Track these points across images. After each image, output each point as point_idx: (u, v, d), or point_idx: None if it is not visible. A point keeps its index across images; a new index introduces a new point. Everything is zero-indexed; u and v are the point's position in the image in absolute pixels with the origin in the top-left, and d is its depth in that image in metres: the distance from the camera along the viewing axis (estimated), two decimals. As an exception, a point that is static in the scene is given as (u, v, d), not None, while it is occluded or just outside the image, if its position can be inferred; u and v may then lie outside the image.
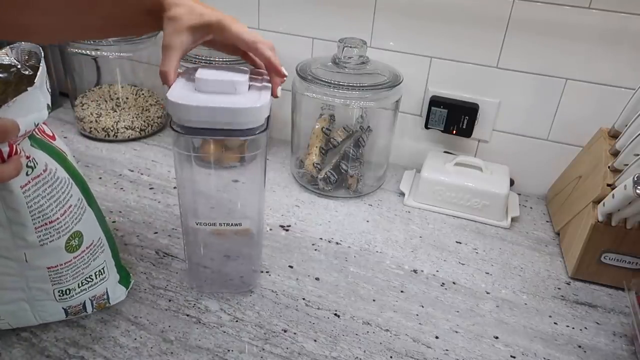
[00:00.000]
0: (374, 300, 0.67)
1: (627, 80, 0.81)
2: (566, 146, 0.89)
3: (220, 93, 0.56)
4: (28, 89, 0.45)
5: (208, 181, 0.62)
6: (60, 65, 1.07)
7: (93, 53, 0.97)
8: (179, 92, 0.55)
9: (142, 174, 0.92)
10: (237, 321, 0.62)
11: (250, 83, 0.59)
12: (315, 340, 0.60)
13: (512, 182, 0.91)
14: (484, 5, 0.83)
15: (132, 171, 0.92)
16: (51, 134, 0.54)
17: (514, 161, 0.92)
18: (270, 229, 0.79)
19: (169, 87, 0.54)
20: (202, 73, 0.57)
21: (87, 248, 0.55)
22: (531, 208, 0.91)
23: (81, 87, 1.06)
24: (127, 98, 1.05)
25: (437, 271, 0.73)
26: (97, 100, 1.04)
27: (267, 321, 0.63)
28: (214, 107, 0.54)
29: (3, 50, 0.53)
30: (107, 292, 0.59)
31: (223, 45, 0.61)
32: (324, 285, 0.69)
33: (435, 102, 0.91)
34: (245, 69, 0.62)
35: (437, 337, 0.62)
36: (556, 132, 0.89)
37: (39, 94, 0.47)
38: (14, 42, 0.54)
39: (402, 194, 0.90)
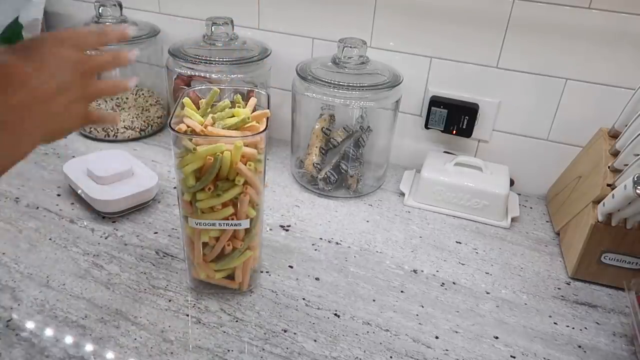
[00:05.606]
0: (374, 300, 0.67)
1: (627, 80, 0.81)
2: (566, 146, 0.89)
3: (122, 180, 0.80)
4: None
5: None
6: (60, 65, 1.06)
7: (93, 53, 0.97)
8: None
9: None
10: (237, 321, 0.62)
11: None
12: (315, 340, 0.60)
13: (512, 182, 0.91)
14: (484, 5, 0.83)
15: (132, 171, 0.92)
16: None
17: (514, 161, 0.92)
18: (270, 229, 0.79)
19: None
20: (97, 170, 0.79)
21: None
22: (531, 208, 0.91)
23: (81, 87, 1.06)
24: (127, 98, 1.05)
25: (437, 271, 0.73)
26: (97, 100, 1.04)
27: (267, 321, 0.63)
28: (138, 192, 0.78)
29: None
30: None
31: None
32: (324, 285, 0.69)
33: (435, 102, 0.91)
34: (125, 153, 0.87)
35: (437, 337, 0.62)
36: (556, 132, 0.89)
37: None
38: None
39: (402, 194, 0.90)
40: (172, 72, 0.93)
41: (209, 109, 0.60)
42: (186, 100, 0.60)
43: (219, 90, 0.60)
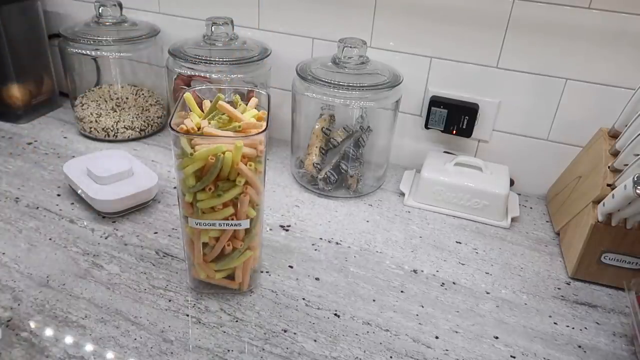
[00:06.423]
0: (374, 300, 0.67)
1: (627, 80, 0.81)
2: (566, 146, 0.89)
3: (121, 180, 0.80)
4: None
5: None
6: (60, 65, 1.07)
7: (93, 53, 0.97)
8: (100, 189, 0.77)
9: (142, 174, 0.91)
10: (237, 321, 0.62)
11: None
12: (315, 340, 0.60)
13: (512, 182, 0.91)
14: (484, 5, 0.83)
15: (132, 171, 0.92)
16: None
17: (514, 161, 0.92)
18: (270, 229, 0.79)
19: None
20: (97, 170, 0.79)
21: None
22: (531, 208, 0.91)
23: (81, 87, 1.06)
24: (127, 98, 1.05)
25: (437, 271, 0.73)
26: (97, 100, 1.04)
27: (267, 321, 0.63)
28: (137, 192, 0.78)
29: None
30: None
31: None
32: (324, 285, 0.69)
33: (435, 102, 0.91)
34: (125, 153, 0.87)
35: (437, 337, 0.62)
36: (556, 132, 0.89)
37: None
38: None
39: (402, 194, 0.90)
40: (172, 72, 0.93)
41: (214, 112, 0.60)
42: (187, 96, 0.60)
43: (223, 96, 0.60)
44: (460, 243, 0.80)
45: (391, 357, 0.59)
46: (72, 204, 0.82)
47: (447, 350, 0.61)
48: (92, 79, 1.08)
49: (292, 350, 0.59)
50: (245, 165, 0.56)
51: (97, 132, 1.01)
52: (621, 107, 0.75)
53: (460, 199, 0.85)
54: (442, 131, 0.93)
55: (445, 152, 0.97)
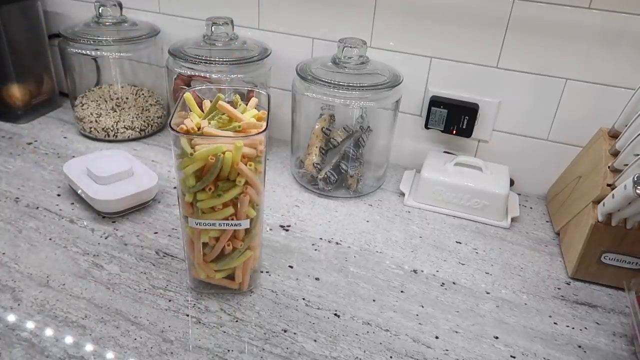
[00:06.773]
0: (374, 300, 0.67)
1: (627, 80, 0.81)
2: (566, 146, 0.89)
3: (121, 180, 0.80)
4: None
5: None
6: (60, 65, 1.07)
7: (93, 53, 0.97)
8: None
9: (142, 174, 0.91)
10: (237, 321, 0.62)
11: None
12: (315, 340, 0.60)
13: (512, 182, 0.91)
14: (484, 5, 0.83)
15: (132, 171, 0.92)
16: None
17: (514, 161, 0.92)
18: (270, 229, 0.79)
19: None
20: (97, 170, 0.79)
21: None
22: (531, 208, 0.91)
23: (81, 87, 1.06)
24: (127, 98, 1.05)
25: (437, 271, 0.73)
26: (97, 100, 1.04)
27: (267, 321, 0.63)
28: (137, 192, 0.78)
29: None
30: None
31: None
32: (324, 285, 0.69)
33: (435, 102, 0.91)
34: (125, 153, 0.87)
35: (437, 337, 0.62)
36: (556, 132, 0.89)
37: None
38: None
39: (402, 194, 0.90)
40: (172, 72, 0.93)
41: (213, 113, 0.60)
42: (187, 96, 0.60)
43: (223, 96, 0.60)
44: (460, 243, 0.80)
45: (391, 357, 0.59)
46: (72, 204, 0.82)
47: (447, 350, 0.61)
48: (92, 79, 1.08)
49: (292, 350, 0.59)
50: (245, 165, 0.56)
51: (97, 132, 1.01)
52: (621, 107, 0.75)
53: (460, 199, 0.85)
54: (442, 131, 0.93)
55: (445, 152, 0.97)
